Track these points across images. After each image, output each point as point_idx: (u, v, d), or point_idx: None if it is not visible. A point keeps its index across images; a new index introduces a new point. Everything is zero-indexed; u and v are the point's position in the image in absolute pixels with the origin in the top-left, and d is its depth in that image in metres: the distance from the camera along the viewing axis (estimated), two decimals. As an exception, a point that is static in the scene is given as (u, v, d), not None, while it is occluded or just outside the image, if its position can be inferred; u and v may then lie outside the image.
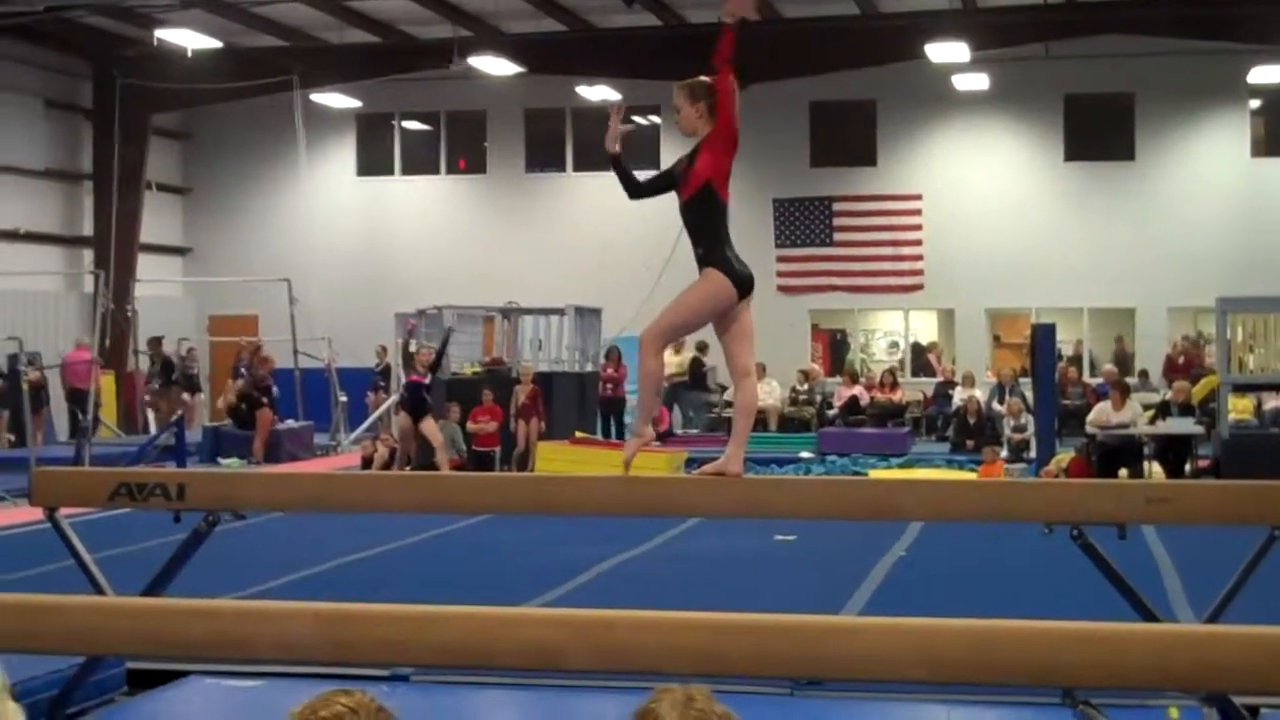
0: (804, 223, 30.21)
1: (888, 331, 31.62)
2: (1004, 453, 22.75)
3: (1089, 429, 20.76)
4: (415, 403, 20.98)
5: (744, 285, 6.84)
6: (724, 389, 29.24)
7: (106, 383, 27.41)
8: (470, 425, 22.43)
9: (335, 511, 8.24)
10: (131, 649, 6.21)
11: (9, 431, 25.37)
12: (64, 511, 7.27)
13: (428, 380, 21.28)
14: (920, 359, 30.67)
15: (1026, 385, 24.07)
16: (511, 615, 5.06)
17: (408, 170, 32.27)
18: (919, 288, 30.03)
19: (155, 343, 28.21)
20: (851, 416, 26.73)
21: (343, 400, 26.94)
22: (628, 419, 26.68)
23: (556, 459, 21.17)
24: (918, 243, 29.92)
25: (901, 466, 22.36)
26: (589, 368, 25.65)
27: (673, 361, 28.01)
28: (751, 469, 21.27)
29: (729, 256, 6.87)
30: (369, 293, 30.87)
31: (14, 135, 27.68)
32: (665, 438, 25.50)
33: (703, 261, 6.90)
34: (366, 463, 21.86)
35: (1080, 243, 29.11)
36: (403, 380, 25.56)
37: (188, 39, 26.35)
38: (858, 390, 27.34)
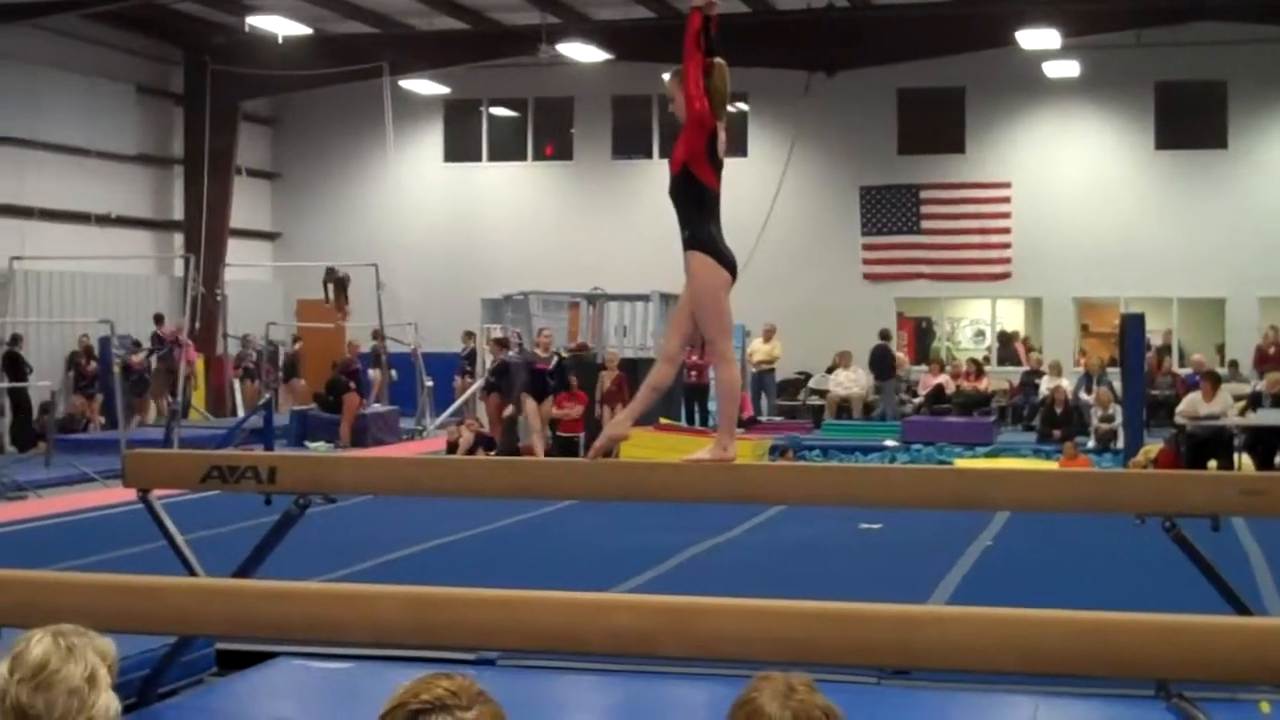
0: (891, 210, 30.06)
1: (974, 320, 31.41)
2: (1090, 443, 22.56)
3: (1178, 420, 20.55)
4: (539, 386, 21.03)
5: (732, 268, 6.79)
6: (807, 376, 29.20)
7: (196, 367, 27.69)
8: (555, 411, 22.47)
9: (425, 495, 8.28)
10: (224, 630, 6.28)
11: (100, 414, 25.68)
12: (155, 493, 7.36)
13: (552, 364, 21.25)
14: (1006, 348, 30.44)
15: (1115, 375, 23.85)
16: (602, 601, 5.07)
17: (495, 156, 32.34)
18: (1006, 276, 29.81)
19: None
20: (937, 405, 26.60)
21: (428, 385, 27.07)
22: (712, 406, 26.68)
23: (641, 445, 21.16)
24: (1006, 231, 29.70)
25: (987, 456, 22.21)
26: (674, 354, 25.59)
27: (762, 350, 27.96)
28: (835, 457, 21.30)
29: (714, 237, 6.78)
30: (455, 278, 30.99)
31: (107, 121, 27.94)
32: (750, 425, 25.46)
33: (688, 244, 6.82)
34: (452, 447, 21.94)
35: (1170, 231, 28.81)
36: (488, 364, 25.69)
37: (278, 25, 26.55)
38: (943, 379, 27.20)
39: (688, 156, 6.75)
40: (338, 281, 27.93)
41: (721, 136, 6.84)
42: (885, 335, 27.80)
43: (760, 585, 10.36)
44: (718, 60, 6.89)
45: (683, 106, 6.77)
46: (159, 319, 26.01)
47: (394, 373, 27.85)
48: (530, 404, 21.05)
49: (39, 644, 2.91)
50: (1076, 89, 29.01)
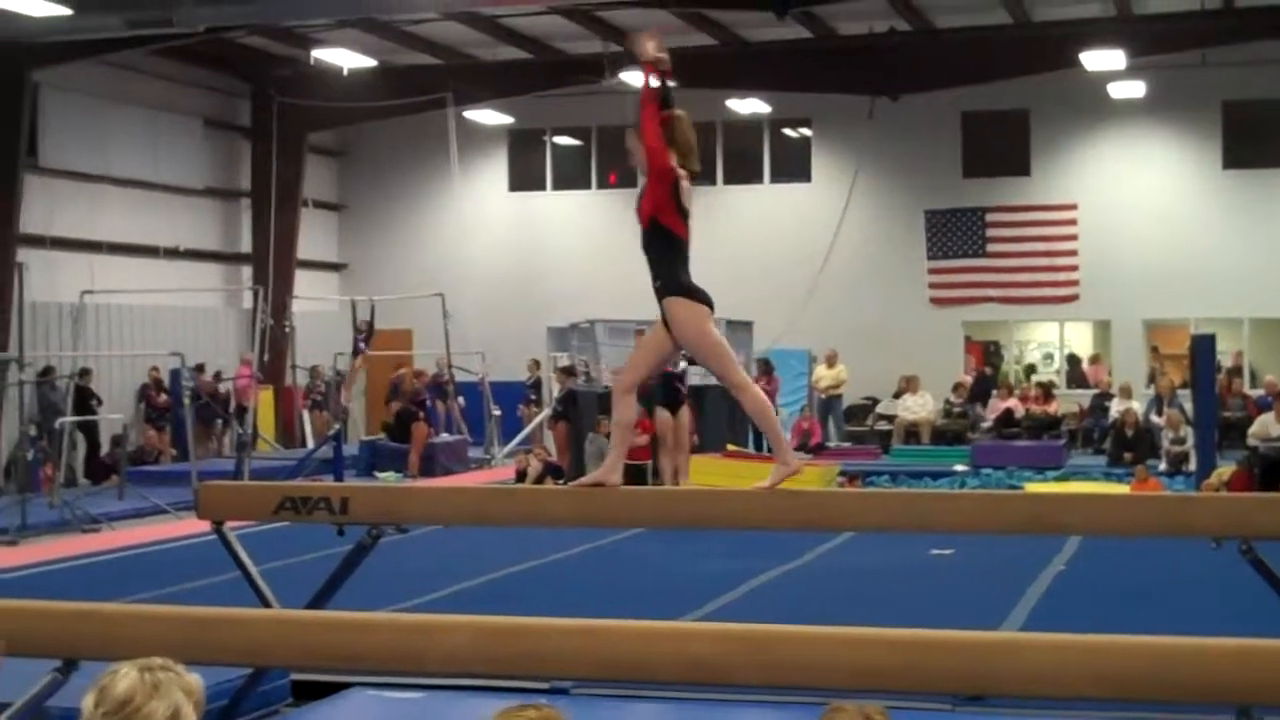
0: (957, 234, 29.94)
1: (1042, 343, 31.24)
2: (1162, 466, 22.38)
3: (1250, 442, 20.37)
4: (671, 395, 20.78)
5: (707, 301, 6.80)
6: (875, 402, 29.09)
7: (264, 397, 27.86)
8: (623, 438, 22.46)
9: (496, 525, 8.29)
10: (299, 661, 6.30)
11: (171, 446, 25.87)
12: (228, 524, 7.40)
13: (680, 369, 20.68)
14: (1075, 370, 30.24)
15: (1185, 397, 23.66)
16: (675, 630, 5.06)
17: (559, 185, 32.41)
18: (1074, 298, 29.63)
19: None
20: (1006, 429, 26.46)
21: (496, 414, 27.14)
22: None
23: (709, 472, 21.15)
24: (1073, 253, 29.53)
25: (1057, 480, 22.06)
26: (741, 381, 25.56)
27: (828, 375, 27.90)
28: (904, 482, 21.23)
29: (684, 282, 6.78)
30: (521, 307, 31.07)
31: (175, 154, 28.18)
32: (817, 451, 25.40)
33: (661, 293, 6.85)
34: (520, 476, 21.96)
35: (1240, 251, 28.57)
36: (554, 393, 25.72)
37: (343, 58, 26.73)
38: (1012, 403, 27.07)
39: (655, 209, 6.84)
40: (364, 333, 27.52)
41: (685, 185, 6.89)
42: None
43: (831, 612, 10.33)
44: (677, 112, 6.95)
45: (643, 160, 6.84)
46: (200, 368, 25.95)
47: (460, 400, 27.93)
48: (664, 415, 20.75)
49: (125, 678, 2.93)
50: (1142, 109, 28.85)
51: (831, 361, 27.89)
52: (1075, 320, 30.37)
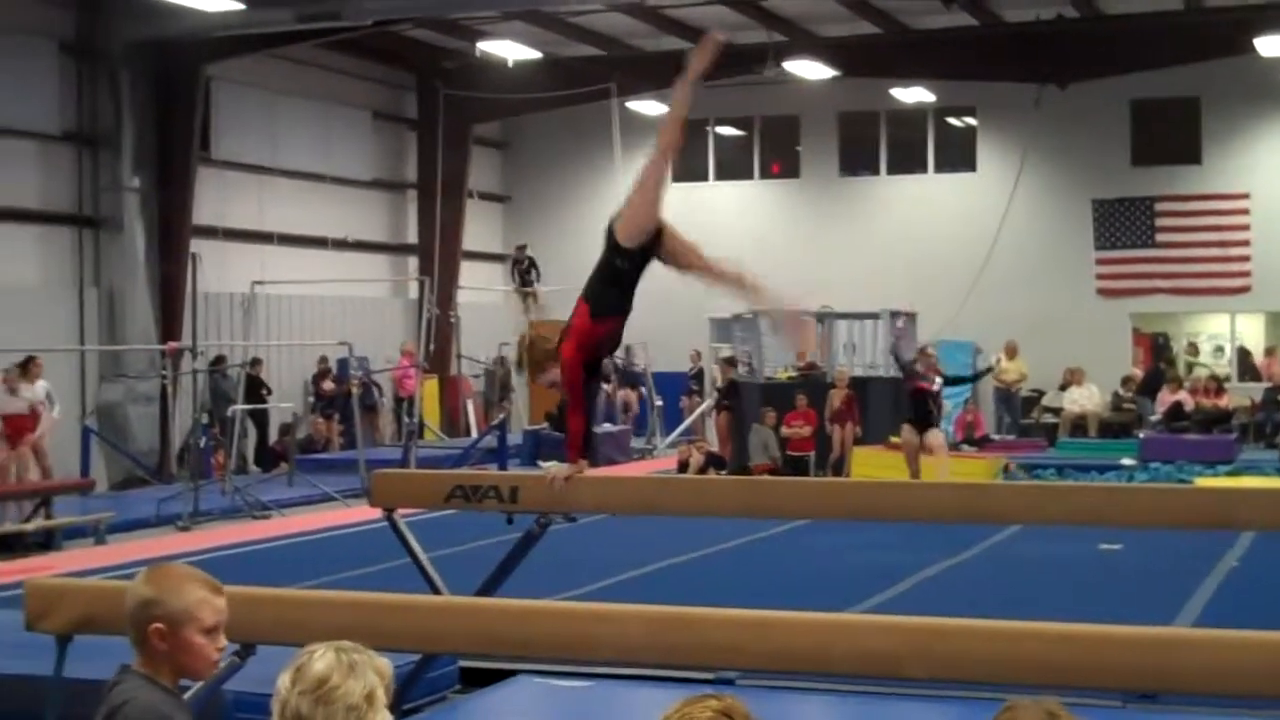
0: (1125, 223, 29.49)
1: (1212, 335, 30.66)
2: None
3: None
4: (921, 413, 18.70)
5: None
6: (1041, 394, 28.75)
7: (430, 387, 28.16)
8: (785, 430, 22.46)
9: (664, 515, 8.32)
10: (471, 648, 6.36)
11: (338, 434, 26.24)
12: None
13: (936, 386, 18.99)
14: (1246, 363, 29.65)
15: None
16: (846, 622, 5.05)
17: (721, 176, 32.40)
18: (1246, 289, 29.04)
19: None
20: (1175, 423, 26.02)
21: (658, 404, 27.20)
22: (945, 425, 26.41)
23: (872, 464, 21.08)
24: (1245, 243, 28.95)
25: (1228, 474, 21.64)
26: (904, 372, 25.42)
27: (1011, 368, 27.60)
28: (1071, 475, 20.96)
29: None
30: (683, 297, 30.83)
31: (343, 146, 28.58)
32: (982, 444, 25.17)
33: None
34: (683, 466, 22.00)
35: None
36: (717, 383, 25.75)
37: (509, 50, 26.91)
38: (1182, 395, 26.61)
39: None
40: (524, 264, 27.90)
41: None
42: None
43: (999, 606, 10.22)
44: None
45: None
46: (323, 374, 26.14)
47: (642, 389, 28.08)
48: (908, 432, 18.74)
49: (321, 659, 2.98)
50: (1318, 96, 28.24)
51: (1012, 353, 27.61)
52: (1247, 312, 29.76)
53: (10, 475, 18.77)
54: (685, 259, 7.18)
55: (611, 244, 7.16)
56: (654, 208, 7.07)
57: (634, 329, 26.59)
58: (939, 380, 18.96)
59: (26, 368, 19.39)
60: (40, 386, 19.56)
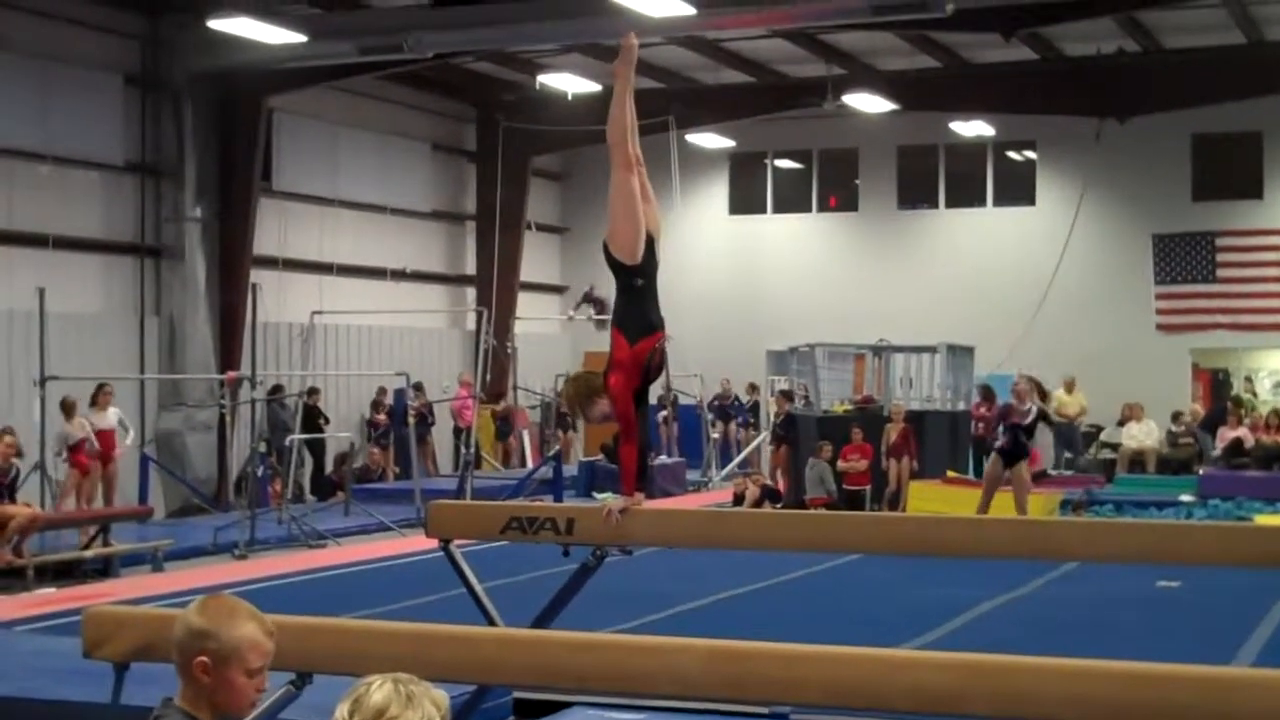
0: (1186, 259, 29.32)
1: (1273, 371, 30.44)
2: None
3: None
4: (1016, 447, 17.79)
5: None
6: (1099, 429, 28.56)
7: (486, 417, 28.21)
8: (841, 464, 22.38)
9: (720, 548, 8.30)
10: (527, 680, 6.35)
11: (394, 464, 26.31)
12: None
13: (1030, 418, 18.03)
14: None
15: None
16: (905, 657, 5.02)
17: (779, 208, 32.41)
18: (1309, 325, 28.85)
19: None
20: (1235, 459, 25.80)
21: (715, 437, 27.17)
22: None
23: (929, 498, 20.97)
24: (1308, 279, 28.77)
25: (1290, 512, 21.44)
26: (961, 406, 25.33)
27: (1071, 402, 27.42)
28: (1129, 512, 20.79)
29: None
30: (740, 330, 31.09)
31: (403, 178, 28.75)
32: (1039, 479, 25.00)
33: None
34: (738, 499, 21.96)
35: None
36: (771, 417, 25.71)
37: (568, 83, 27.01)
38: (1242, 431, 26.38)
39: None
40: (595, 302, 28.18)
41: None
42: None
43: (1059, 643, 10.15)
44: None
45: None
46: (419, 388, 26.16)
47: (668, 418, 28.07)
48: (993, 464, 18.02)
49: (379, 690, 2.98)
50: (1382, 132, 28.05)
51: (1070, 388, 27.47)
52: (1309, 348, 29.55)
53: (79, 501, 18.94)
54: None
55: (615, 266, 7.15)
56: (634, 220, 7.09)
57: (690, 361, 26.40)
58: (1033, 410, 18.01)
59: (96, 397, 19.55)
60: (113, 413, 19.73)
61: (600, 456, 26.21)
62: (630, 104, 7.43)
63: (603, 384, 7.03)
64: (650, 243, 7.24)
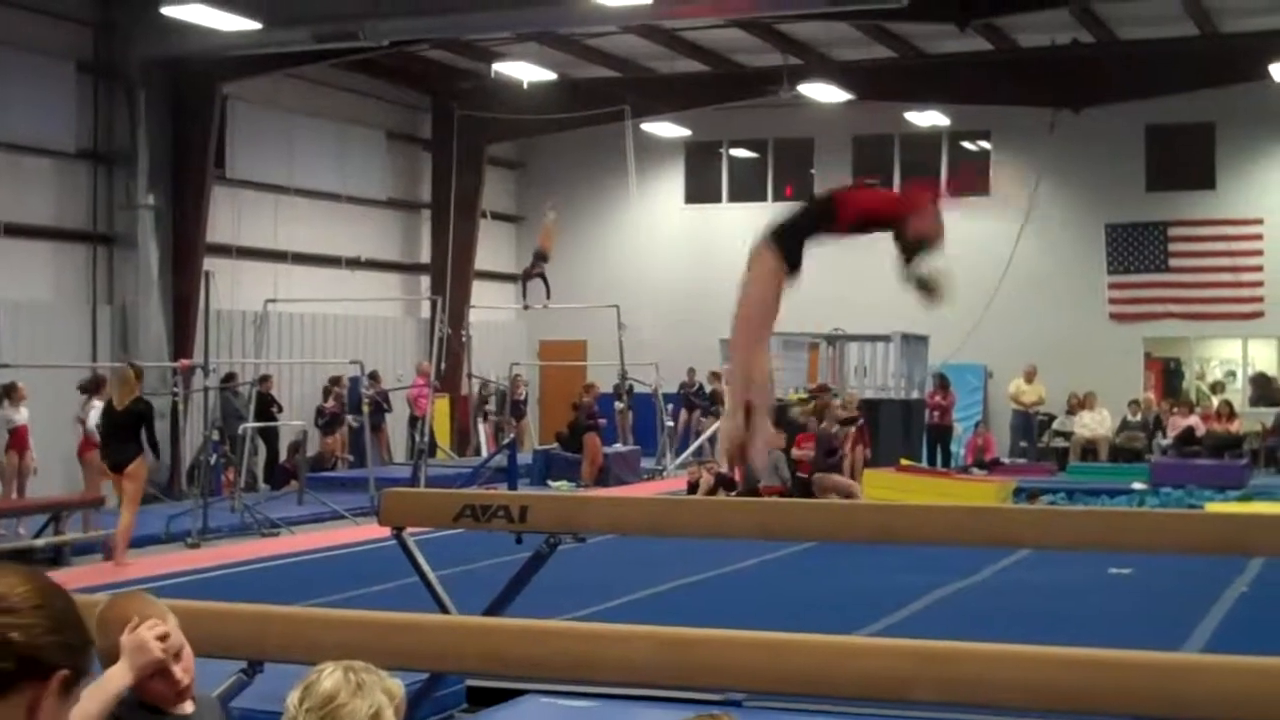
0: (1138, 248, 29.48)
1: (1225, 360, 30.65)
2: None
3: None
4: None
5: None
6: (1051, 418, 28.71)
7: (441, 406, 28.17)
8: (795, 452, 22.41)
9: (675, 536, 8.30)
10: (479, 667, 6.36)
11: (348, 452, 26.21)
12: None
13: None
14: (1264, 389, 29.54)
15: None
16: (855, 644, 5.03)
17: (734, 198, 32.43)
18: (1259, 315, 29.01)
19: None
20: (1186, 447, 25.99)
21: (669, 425, 27.20)
22: (955, 448, 26.41)
23: (882, 486, 21.04)
24: (1258, 268, 28.94)
25: (1239, 500, 21.59)
26: (915, 395, 25.42)
27: (1030, 391, 27.58)
28: (1081, 500, 20.92)
29: None
30: (696, 319, 31.06)
31: (358, 166, 28.66)
32: (992, 466, 25.15)
33: None
34: (692, 488, 21.97)
35: None
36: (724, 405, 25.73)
37: (524, 71, 26.99)
38: (1193, 420, 26.58)
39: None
40: (538, 277, 27.50)
41: None
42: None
43: (1008, 629, 10.23)
44: None
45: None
46: (373, 376, 25.90)
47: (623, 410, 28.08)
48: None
49: (330, 677, 2.99)
50: (1333, 124, 28.23)
51: (1030, 377, 27.61)
52: (1259, 337, 29.73)
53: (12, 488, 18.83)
54: None
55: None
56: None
57: (645, 350, 26.39)
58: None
59: (11, 393, 19.14)
60: (25, 411, 19.32)
61: (555, 444, 26.22)
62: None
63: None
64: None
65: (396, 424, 27.86)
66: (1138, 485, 22.99)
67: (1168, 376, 30.46)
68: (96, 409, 18.26)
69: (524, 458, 25.14)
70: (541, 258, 26.58)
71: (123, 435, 15.99)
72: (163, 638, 3.78)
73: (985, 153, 30.88)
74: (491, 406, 29.72)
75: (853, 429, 22.51)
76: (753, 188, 32.39)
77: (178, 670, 3.74)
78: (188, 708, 3.86)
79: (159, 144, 22.99)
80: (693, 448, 27.30)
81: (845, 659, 4.83)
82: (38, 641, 2.24)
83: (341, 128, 28.23)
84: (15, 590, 2.27)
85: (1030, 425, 27.90)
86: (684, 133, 31.50)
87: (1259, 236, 28.95)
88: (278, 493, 22.52)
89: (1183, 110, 28.47)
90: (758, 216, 29.85)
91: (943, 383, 25.94)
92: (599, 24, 24.53)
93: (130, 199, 22.93)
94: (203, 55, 22.62)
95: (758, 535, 7.84)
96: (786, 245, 6.79)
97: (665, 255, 31.84)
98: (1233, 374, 30.24)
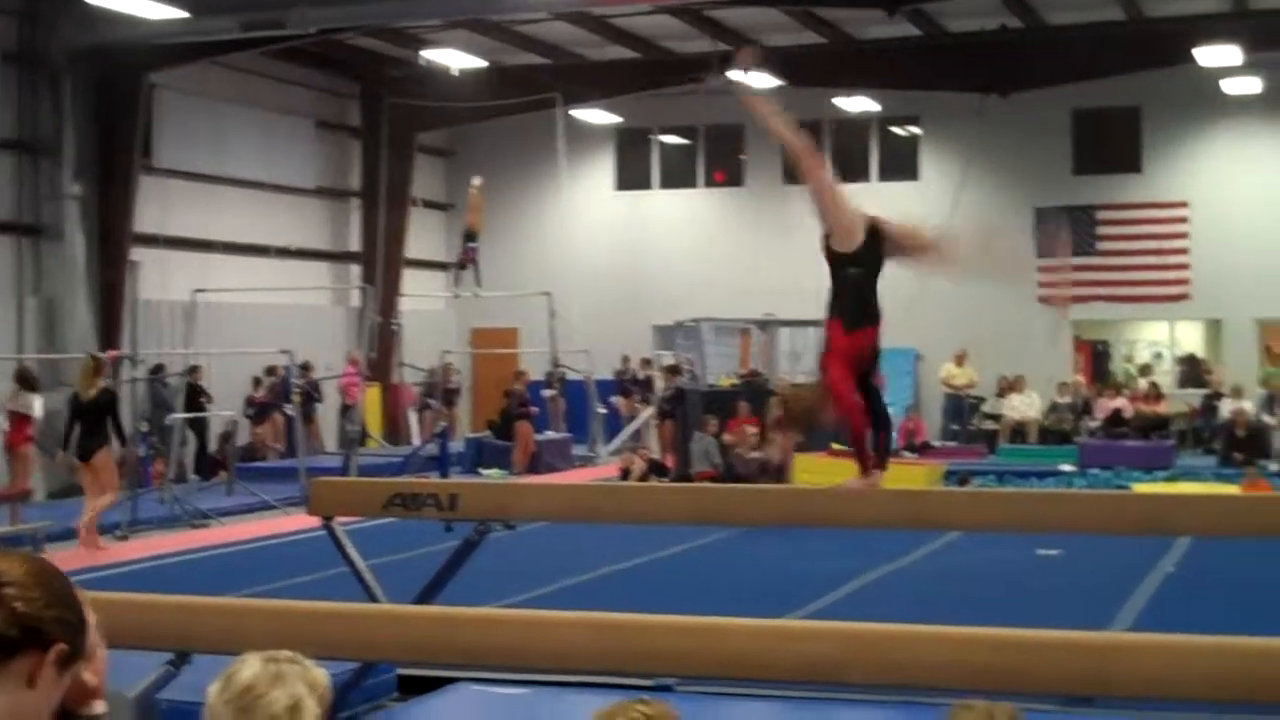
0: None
1: (1152, 342, 30.90)
2: (1273, 467, 22.06)
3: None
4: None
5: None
6: (981, 401, 28.87)
7: (372, 395, 28.06)
8: (726, 437, 22.46)
9: (607, 522, 8.32)
10: (408, 656, 6.35)
11: (279, 442, 26.08)
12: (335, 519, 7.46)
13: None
14: (1190, 370, 29.80)
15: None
16: (784, 628, 5.05)
17: (666, 184, 32.43)
18: (1185, 297, 29.26)
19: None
20: (1114, 429, 26.19)
21: (601, 412, 27.20)
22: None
23: (813, 471, 21.08)
24: (1184, 251, 29.17)
25: (1166, 480, 21.78)
26: (847, 380, 25.48)
27: (960, 374, 27.74)
28: (1010, 482, 21.05)
29: None
30: (627, 305, 31.11)
31: (287, 155, 28.46)
32: (923, 450, 25.27)
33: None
34: (625, 474, 21.99)
35: (1356, 250, 28.11)
36: (663, 391, 25.75)
37: (453, 58, 26.87)
38: (1121, 402, 26.78)
39: None
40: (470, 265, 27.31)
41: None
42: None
43: (938, 612, 10.27)
44: None
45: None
46: (305, 366, 25.75)
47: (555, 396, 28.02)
48: None
49: (249, 667, 2.96)
50: (1257, 106, 28.44)
51: (961, 360, 27.77)
52: (1186, 319, 30.00)
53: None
54: (907, 244, 7.13)
55: (834, 257, 7.25)
56: (845, 205, 7.00)
57: (577, 337, 26.45)
58: None
59: None
60: None
61: (487, 433, 26.18)
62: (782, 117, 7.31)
63: (818, 391, 7.01)
64: (874, 231, 7.10)
65: (327, 413, 27.71)
66: (1066, 467, 23.17)
67: (1096, 359, 30.68)
68: (38, 402, 18.19)
69: (456, 446, 25.09)
70: (471, 238, 26.36)
71: (90, 425, 15.97)
72: None
73: (915, 138, 30.99)
74: (430, 396, 29.61)
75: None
76: (684, 174, 32.40)
77: (86, 674, 3.69)
78: (98, 708, 3.81)
79: (85, 133, 22.79)
80: (626, 432, 27.30)
81: (777, 643, 4.85)
82: (41, 614, 2.34)
83: (270, 116, 28.04)
84: (17, 568, 2.38)
85: (961, 408, 28.06)
86: (614, 119, 31.48)
87: (1184, 219, 29.17)
88: (207, 483, 22.40)
89: (1109, 94, 28.65)
90: (689, 203, 30.16)
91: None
92: (529, 11, 24.47)
93: (56, 189, 22.71)
94: (129, 44, 22.43)
95: (689, 520, 7.86)
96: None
97: (597, 242, 31.81)
98: (1160, 356, 30.50)
